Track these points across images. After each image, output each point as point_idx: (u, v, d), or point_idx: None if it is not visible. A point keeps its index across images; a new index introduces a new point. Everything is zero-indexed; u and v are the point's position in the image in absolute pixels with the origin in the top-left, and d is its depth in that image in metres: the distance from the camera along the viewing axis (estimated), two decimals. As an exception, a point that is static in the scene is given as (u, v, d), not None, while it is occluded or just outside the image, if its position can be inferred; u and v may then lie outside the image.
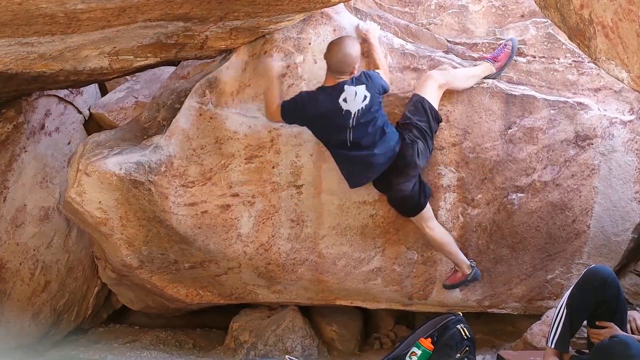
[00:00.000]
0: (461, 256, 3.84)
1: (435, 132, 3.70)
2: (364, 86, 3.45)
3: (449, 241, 3.82)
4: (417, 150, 3.55)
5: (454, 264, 3.90)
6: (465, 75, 3.81)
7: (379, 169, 3.57)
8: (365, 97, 3.44)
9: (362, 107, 3.45)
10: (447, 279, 3.98)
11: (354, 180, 3.65)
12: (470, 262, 3.89)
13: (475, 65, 3.87)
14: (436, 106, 3.65)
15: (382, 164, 3.55)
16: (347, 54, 3.43)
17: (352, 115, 3.44)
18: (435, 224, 3.80)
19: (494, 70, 3.84)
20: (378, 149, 3.51)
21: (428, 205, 3.75)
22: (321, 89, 3.52)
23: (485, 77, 3.86)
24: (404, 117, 3.65)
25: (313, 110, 3.48)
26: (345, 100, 3.43)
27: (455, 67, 3.84)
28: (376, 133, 3.50)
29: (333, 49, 3.47)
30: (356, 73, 3.47)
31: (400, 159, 3.55)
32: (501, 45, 3.90)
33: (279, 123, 3.66)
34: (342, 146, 3.53)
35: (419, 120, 3.59)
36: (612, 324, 2.94)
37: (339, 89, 3.44)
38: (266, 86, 3.68)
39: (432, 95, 3.64)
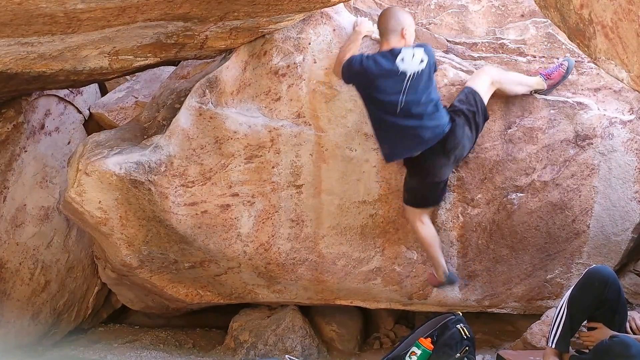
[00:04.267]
0: (441, 261, 3.79)
1: (481, 130, 3.68)
2: (422, 49, 3.47)
3: (435, 243, 3.78)
4: (466, 133, 3.52)
5: (433, 266, 3.85)
6: (517, 80, 3.78)
7: (424, 144, 3.47)
8: (422, 60, 3.43)
9: (418, 71, 3.42)
10: (429, 280, 3.97)
11: (395, 152, 3.55)
12: (449, 271, 3.81)
13: (528, 76, 3.85)
14: (486, 102, 3.63)
15: (428, 140, 3.46)
16: (396, 15, 3.54)
17: (408, 77, 3.42)
18: (428, 221, 3.77)
19: (545, 87, 3.83)
20: (427, 121, 3.44)
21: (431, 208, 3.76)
22: (378, 53, 3.54)
23: (536, 91, 3.86)
24: (452, 106, 3.61)
25: (371, 69, 3.46)
26: (402, 60, 3.43)
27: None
28: (428, 104, 3.45)
29: (385, 13, 3.58)
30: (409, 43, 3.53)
31: (449, 138, 3.48)
32: (557, 64, 3.89)
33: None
34: (392, 112, 3.45)
35: (469, 109, 3.54)
36: (601, 324, 2.95)
37: (396, 51, 3.46)
38: (350, 39, 3.70)
39: (484, 91, 3.62)
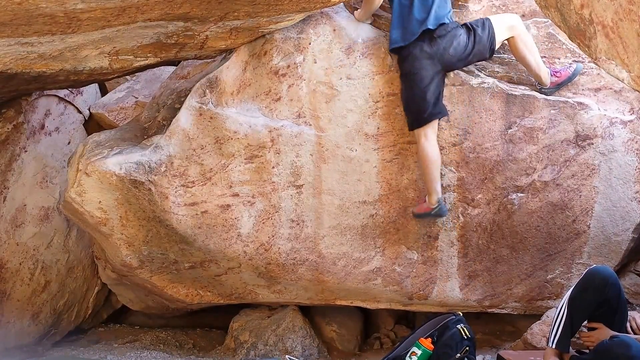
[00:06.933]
0: (437, 186, 3.74)
1: (485, 58, 3.82)
2: None
3: (436, 164, 3.72)
4: (459, 33, 3.67)
5: (427, 190, 3.79)
6: (532, 48, 3.83)
7: (423, 26, 3.62)
8: None
9: None
10: (417, 207, 3.88)
11: (402, 36, 3.68)
12: (442, 197, 3.78)
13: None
14: (497, 39, 3.74)
15: (428, 23, 3.62)
16: None
17: None
18: (434, 139, 3.73)
19: (548, 82, 3.86)
20: (435, 11, 3.65)
21: (436, 122, 3.73)
22: None
23: (539, 89, 3.89)
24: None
25: None
26: None
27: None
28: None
29: None
30: None
31: (439, 27, 3.64)
32: (567, 65, 3.94)
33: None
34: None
35: (473, 24, 3.73)
36: (602, 324, 2.95)
37: None
38: None
39: (499, 25, 3.75)
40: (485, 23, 3.75)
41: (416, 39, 3.65)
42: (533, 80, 3.93)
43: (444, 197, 3.84)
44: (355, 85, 3.81)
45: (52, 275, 4.56)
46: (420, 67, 3.66)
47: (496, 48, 3.80)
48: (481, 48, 3.73)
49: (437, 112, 3.72)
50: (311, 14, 3.71)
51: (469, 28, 3.72)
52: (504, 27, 3.76)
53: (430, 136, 3.72)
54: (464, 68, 3.90)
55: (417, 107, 3.71)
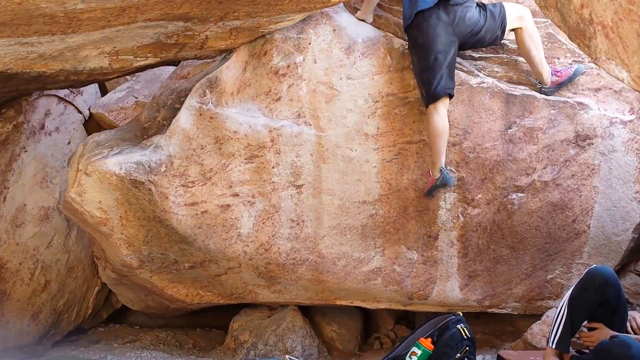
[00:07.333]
0: (442, 157, 3.73)
1: (496, 37, 3.83)
2: None
3: (443, 136, 3.70)
4: (473, 8, 3.70)
5: (432, 161, 3.78)
6: (539, 44, 3.85)
7: None
8: None
9: None
10: (426, 187, 3.87)
11: (417, 4, 3.71)
12: (445, 167, 3.75)
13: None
14: (508, 24, 3.79)
15: None
16: None
17: None
18: (444, 112, 3.71)
19: (548, 81, 3.87)
20: None
21: (446, 99, 3.69)
22: None
23: (539, 88, 3.90)
24: None
25: None
26: None
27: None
28: None
29: None
30: None
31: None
32: (567, 65, 3.96)
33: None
34: None
35: (487, 4, 3.76)
36: (602, 324, 2.95)
37: None
38: None
39: (511, 13, 3.79)
40: (496, 4, 3.80)
41: (432, 7, 3.64)
42: (533, 79, 3.93)
43: (447, 168, 3.79)
44: (355, 85, 3.81)
45: (52, 275, 4.56)
46: (436, 36, 3.65)
47: (506, 33, 3.82)
48: (493, 25, 3.77)
49: (451, 86, 3.70)
50: (311, 14, 3.71)
51: (479, 5, 3.76)
52: (515, 15, 3.80)
53: (441, 111, 3.71)
54: (464, 68, 3.90)
55: (431, 77, 3.67)
